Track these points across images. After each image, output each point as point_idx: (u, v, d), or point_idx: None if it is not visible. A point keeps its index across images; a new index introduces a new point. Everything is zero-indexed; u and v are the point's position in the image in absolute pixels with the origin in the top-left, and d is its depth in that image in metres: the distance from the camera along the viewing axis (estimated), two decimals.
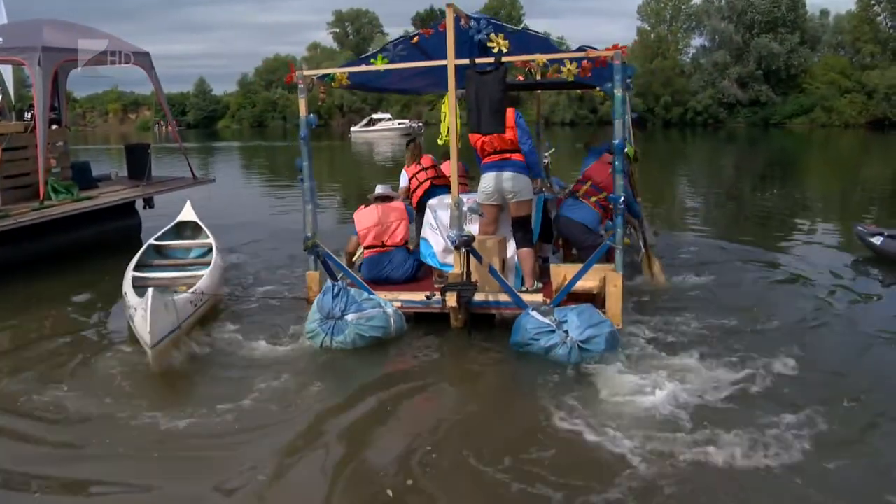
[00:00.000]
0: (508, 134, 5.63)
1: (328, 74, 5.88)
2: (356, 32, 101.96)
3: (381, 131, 59.86)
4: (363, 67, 5.81)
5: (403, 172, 7.45)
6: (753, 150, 36.20)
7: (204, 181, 11.75)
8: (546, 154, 9.03)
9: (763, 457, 3.56)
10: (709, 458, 3.57)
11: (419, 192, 7.18)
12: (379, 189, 6.61)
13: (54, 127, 9.95)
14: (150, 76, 10.63)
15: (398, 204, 6.57)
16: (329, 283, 5.53)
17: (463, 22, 5.37)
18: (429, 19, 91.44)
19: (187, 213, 8.43)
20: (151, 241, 7.55)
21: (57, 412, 4.32)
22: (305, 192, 5.82)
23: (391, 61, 5.76)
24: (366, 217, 6.45)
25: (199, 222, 8.17)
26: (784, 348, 4.94)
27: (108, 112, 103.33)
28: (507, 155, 5.74)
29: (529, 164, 5.73)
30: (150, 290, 4.78)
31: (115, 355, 5.17)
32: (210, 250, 7.13)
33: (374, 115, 64.48)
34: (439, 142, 7.94)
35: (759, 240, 9.31)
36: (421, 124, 61.52)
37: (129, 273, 6.17)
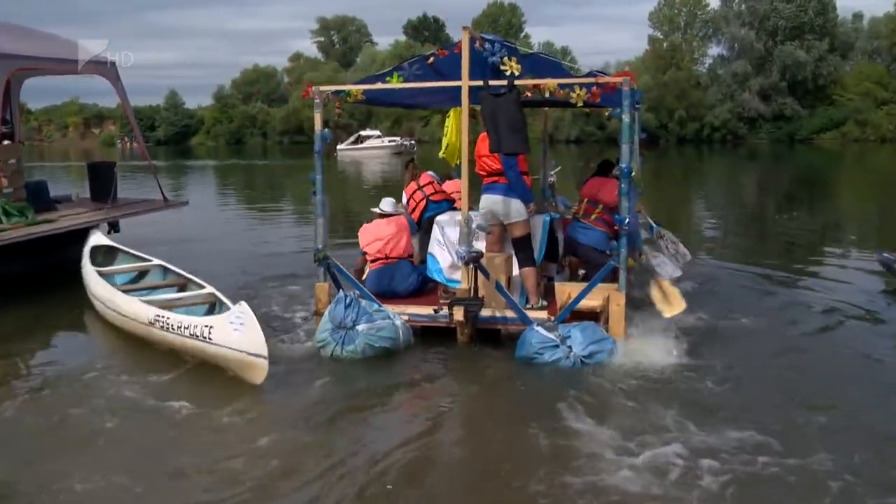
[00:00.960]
0: (493, 159, 6.41)
1: (343, 90, 6.68)
2: (342, 41, 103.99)
3: (371, 149, 60.83)
4: (379, 85, 6.64)
5: (404, 192, 8.27)
6: (777, 167, 36.56)
7: (176, 204, 11.59)
8: (551, 173, 9.74)
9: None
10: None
11: (417, 210, 7.98)
12: (383, 204, 7.40)
13: (6, 142, 9.63)
14: (115, 87, 10.43)
15: (400, 218, 7.35)
16: (341, 293, 6.29)
17: (478, 44, 6.17)
18: (421, 27, 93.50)
19: (98, 239, 8.65)
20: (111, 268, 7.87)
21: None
22: (317, 205, 6.61)
23: (406, 80, 6.59)
24: (369, 231, 7.24)
25: (121, 247, 8.49)
26: (809, 392, 5.09)
27: (67, 126, 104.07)
28: (499, 178, 6.52)
29: (515, 187, 6.39)
30: (242, 304, 5.45)
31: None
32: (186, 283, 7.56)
33: (363, 132, 65.47)
34: (440, 155, 8.82)
35: (783, 265, 9.68)
36: (413, 142, 62.56)
37: (136, 302, 6.55)
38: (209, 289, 6.98)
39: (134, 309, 6.49)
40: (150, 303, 6.52)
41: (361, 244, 7.22)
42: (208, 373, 5.67)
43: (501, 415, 5.04)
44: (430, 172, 8.28)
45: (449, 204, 7.91)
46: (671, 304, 6.17)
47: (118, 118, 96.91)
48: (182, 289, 7.43)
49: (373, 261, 7.17)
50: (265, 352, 5.27)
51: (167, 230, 13.25)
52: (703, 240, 12.47)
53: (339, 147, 62.87)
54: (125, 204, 11.00)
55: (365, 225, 7.34)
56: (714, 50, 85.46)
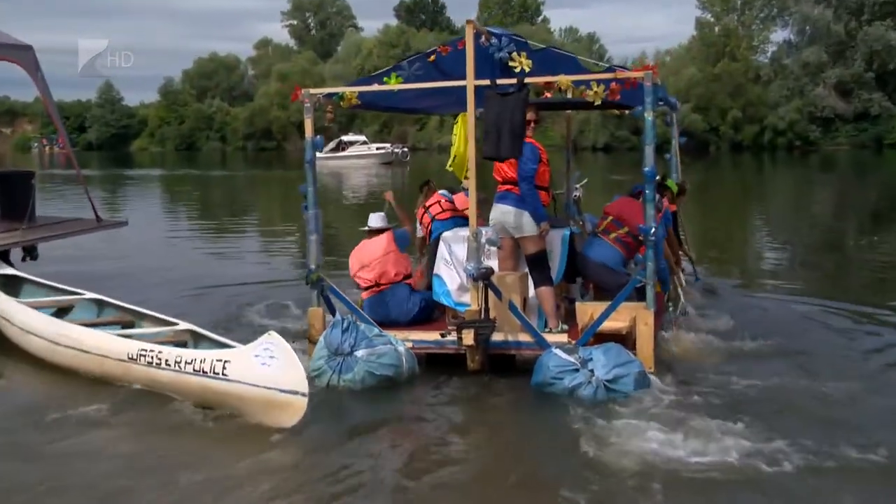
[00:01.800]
0: (507, 165, 7.17)
1: (336, 93, 7.47)
2: (320, 25, 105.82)
3: (354, 158, 61.86)
4: (376, 87, 7.43)
5: (417, 219, 9.07)
6: (860, 180, 37.00)
7: (111, 224, 11.68)
8: (577, 186, 10.36)
9: None
10: None
11: (425, 233, 8.80)
12: (370, 220, 8.15)
13: None
14: (32, 77, 10.34)
15: (385, 235, 8.03)
16: (338, 316, 7.05)
17: (483, 39, 6.96)
18: (416, 10, 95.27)
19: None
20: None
21: None
22: (310, 220, 7.39)
23: (406, 80, 7.38)
24: (355, 257, 7.99)
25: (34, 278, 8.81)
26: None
27: None
28: (511, 187, 7.29)
29: (525, 200, 7.13)
30: (272, 334, 5.98)
31: None
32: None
33: (345, 137, 66.48)
34: (448, 168, 9.58)
35: (865, 300, 10.04)
36: (406, 150, 63.40)
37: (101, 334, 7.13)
38: (183, 325, 7.51)
39: (103, 343, 7.00)
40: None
41: (351, 271, 7.97)
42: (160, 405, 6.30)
43: (516, 451, 5.70)
44: (441, 192, 9.04)
45: (458, 221, 8.67)
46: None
47: (37, 115, 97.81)
48: (127, 327, 7.87)
49: (365, 289, 7.91)
50: (305, 387, 5.78)
51: (99, 256, 13.69)
52: (763, 270, 12.98)
53: (315, 155, 63.85)
54: (45, 224, 10.92)
55: (356, 247, 8.09)
56: (779, 34, 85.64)
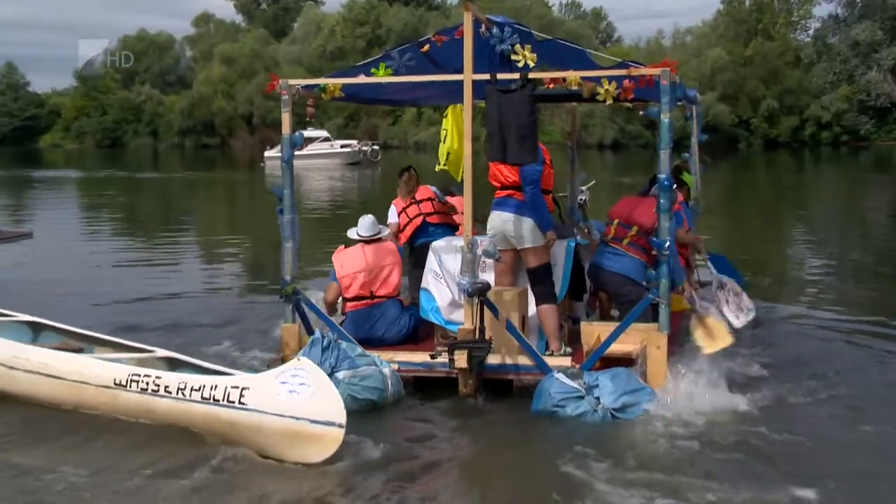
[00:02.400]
0: (509, 169, 7.77)
1: (318, 85, 8.10)
2: (272, 0, 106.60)
3: (314, 157, 62.43)
4: (363, 79, 8.06)
5: (392, 206, 9.71)
6: None
7: (14, 235, 12.33)
8: (582, 189, 10.96)
9: None
10: None
11: (408, 230, 9.41)
12: (361, 227, 8.75)
13: None
14: None
15: (390, 245, 8.71)
16: (317, 333, 7.64)
17: (483, 29, 7.57)
18: None
19: None
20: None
21: None
22: (285, 226, 7.99)
23: (396, 72, 8.01)
24: (350, 260, 8.60)
25: None
26: None
27: None
28: (513, 192, 7.91)
29: (532, 206, 7.78)
30: (303, 359, 6.53)
31: None
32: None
33: (304, 132, 66.90)
34: (439, 168, 10.16)
35: None
36: (376, 147, 64.20)
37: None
38: (161, 351, 7.97)
39: (82, 368, 7.32)
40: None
41: (338, 272, 8.58)
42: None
43: (514, 486, 6.20)
44: (430, 187, 9.72)
45: (449, 230, 9.33)
46: (713, 339, 7.50)
47: None
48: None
49: (351, 299, 8.51)
50: (342, 418, 6.23)
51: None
52: (804, 287, 13.50)
53: (267, 153, 64.01)
54: None
55: (342, 249, 8.73)
56: (823, 8, 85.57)
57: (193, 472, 6.27)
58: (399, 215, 9.56)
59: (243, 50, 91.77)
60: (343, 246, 8.83)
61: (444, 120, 10.50)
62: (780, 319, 10.86)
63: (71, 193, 38.72)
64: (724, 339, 7.60)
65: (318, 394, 6.32)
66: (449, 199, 10.04)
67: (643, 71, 7.42)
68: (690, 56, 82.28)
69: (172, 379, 6.93)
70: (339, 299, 8.72)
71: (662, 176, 7.32)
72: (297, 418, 6.30)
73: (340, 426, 6.25)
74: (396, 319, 8.45)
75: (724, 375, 7.68)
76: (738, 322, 8.38)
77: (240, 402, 6.53)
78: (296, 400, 6.33)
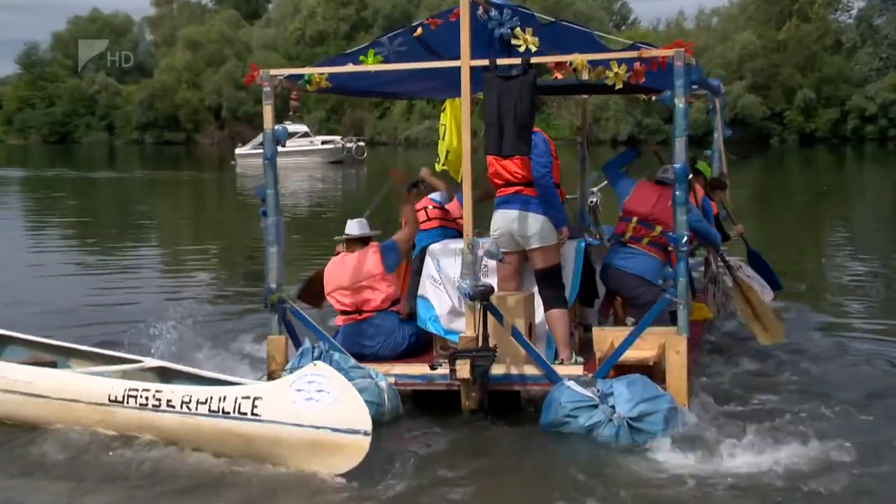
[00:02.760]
0: (517, 163, 8.15)
1: (302, 75, 8.45)
2: None
3: (292, 155, 62.57)
4: (350, 68, 8.40)
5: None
6: None
7: None
8: (593, 190, 11.35)
9: None
10: None
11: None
12: (350, 227, 9.06)
13: None
14: None
15: (369, 248, 8.94)
16: (307, 344, 8.01)
17: (480, 11, 7.92)
18: None
19: None
20: None
21: None
22: (269, 229, 8.33)
23: (386, 59, 8.35)
24: (332, 274, 8.95)
25: None
26: None
27: None
28: (522, 189, 8.28)
29: (545, 202, 8.18)
30: (320, 363, 6.90)
31: None
32: None
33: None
34: (439, 168, 10.49)
35: None
36: (361, 144, 64.62)
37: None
38: (151, 361, 8.35)
39: (70, 385, 7.63)
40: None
41: (326, 288, 8.95)
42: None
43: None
44: (433, 196, 10.05)
45: (447, 232, 9.69)
46: (768, 330, 7.85)
47: None
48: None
49: (341, 313, 8.88)
50: (368, 425, 6.62)
51: None
52: (844, 300, 13.76)
53: (238, 151, 64.45)
54: None
55: (333, 259, 9.08)
56: None
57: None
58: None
59: (211, 34, 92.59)
60: (333, 258, 9.14)
61: (441, 115, 10.79)
62: (816, 330, 11.22)
63: (13, 195, 38.89)
64: (778, 333, 7.94)
65: (339, 400, 6.69)
66: (449, 206, 10.40)
67: (655, 52, 7.71)
68: (716, 40, 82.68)
69: (175, 392, 7.24)
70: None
71: (678, 165, 7.65)
72: (318, 427, 6.66)
73: (366, 433, 6.62)
74: (392, 333, 8.77)
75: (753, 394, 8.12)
76: (767, 292, 8.84)
77: (253, 414, 6.88)
78: (315, 408, 6.70)
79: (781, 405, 8.20)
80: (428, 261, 8.91)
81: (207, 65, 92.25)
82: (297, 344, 8.46)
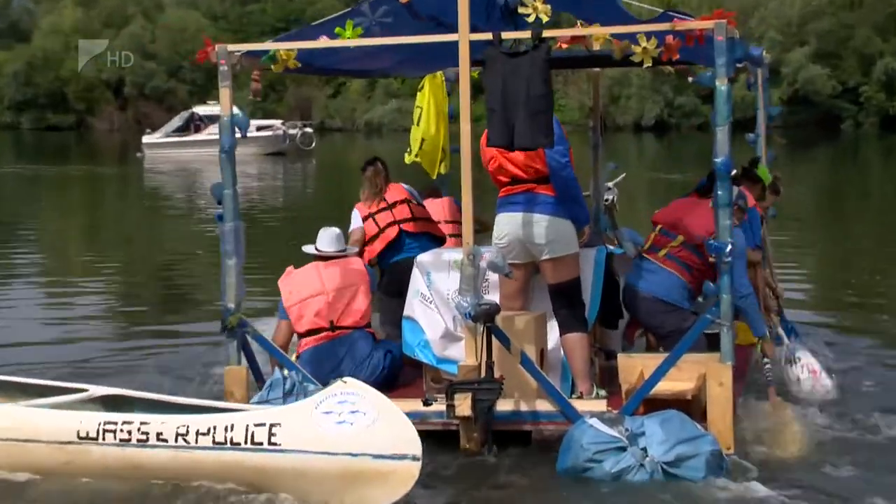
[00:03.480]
0: (531, 156, 8.81)
1: (266, 52, 9.16)
2: None
3: (218, 144, 63.32)
4: (326, 42, 9.07)
5: (355, 211, 10.82)
6: None
7: None
8: (609, 185, 12.07)
9: None
10: None
11: (378, 244, 10.53)
12: (321, 241, 9.85)
13: None
14: None
15: (355, 261, 9.79)
16: (277, 374, 8.69)
17: None
18: None
19: None
20: None
21: None
22: (226, 236, 9.02)
23: (367, 32, 9.02)
24: (300, 283, 9.69)
25: None
26: None
27: None
28: (535, 186, 8.96)
29: (567, 198, 8.86)
30: (350, 380, 7.56)
31: None
32: None
33: (200, 109, 68.97)
34: (410, 160, 11.15)
35: None
36: (308, 130, 65.84)
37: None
38: (98, 389, 8.88)
39: (23, 422, 8.23)
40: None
41: (286, 300, 9.67)
42: None
43: None
44: (404, 185, 10.85)
45: (431, 242, 10.48)
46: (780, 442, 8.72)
47: None
48: None
49: (306, 333, 9.61)
50: (417, 448, 7.33)
51: None
52: None
53: (145, 140, 64.99)
54: None
55: (290, 271, 9.82)
56: None
57: None
58: (364, 222, 10.63)
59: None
60: (291, 267, 9.90)
61: (418, 95, 11.58)
62: (871, 354, 12.18)
63: None
64: (794, 444, 8.75)
65: (379, 422, 7.37)
66: (428, 202, 11.25)
67: (691, 24, 8.39)
68: None
69: (167, 423, 7.85)
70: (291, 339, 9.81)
71: (719, 160, 8.29)
72: (355, 455, 7.36)
73: (415, 458, 7.32)
74: (367, 357, 9.53)
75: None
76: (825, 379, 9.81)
77: (270, 444, 7.56)
78: (348, 432, 7.39)
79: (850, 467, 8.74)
80: (416, 275, 9.57)
81: (105, 26, 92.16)
82: (259, 375, 9.20)
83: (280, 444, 7.52)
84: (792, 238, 22.04)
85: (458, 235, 10.34)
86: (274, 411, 7.83)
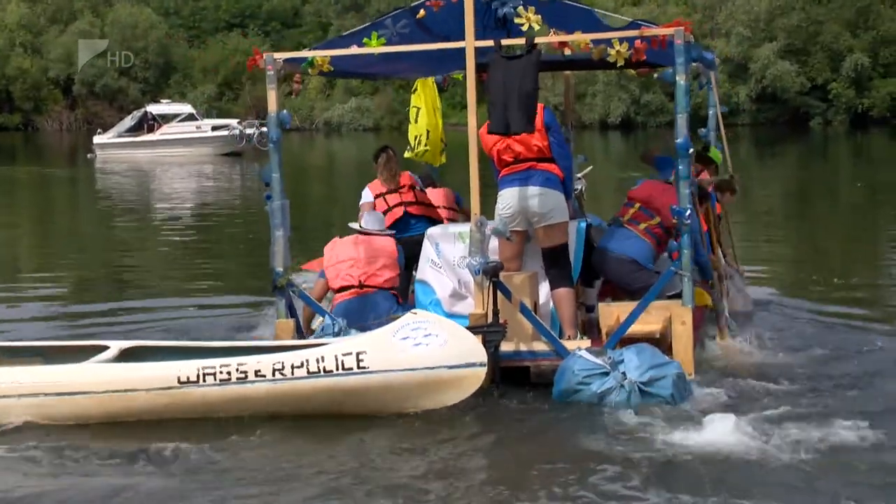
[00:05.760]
0: (536, 137, 11.38)
1: (304, 59, 11.67)
2: None
3: (172, 144, 65.45)
4: (354, 50, 11.63)
5: (367, 189, 13.39)
6: None
7: None
8: (578, 176, 14.38)
9: None
10: None
11: (386, 221, 12.95)
12: (366, 221, 12.38)
13: None
14: None
15: (387, 241, 12.25)
16: (326, 319, 11.28)
17: None
18: None
19: None
20: None
21: None
22: (275, 212, 11.57)
23: (389, 42, 11.59)
24: (340, 249, 12.21)
25: None
26: None
27: None
28: (535, 164, 11.50)
29: (567, 174, 11.49)
30: (418, 311, 10.20)
31: None
32: None
33: (154, 108, 70.57)
34: (411, 155, 13.72)
35: None
36: (257, 129, 65.12)
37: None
38: (119, 343, 11.08)
39: (132, 375, 10.33)
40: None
41: (326, 262, 12.20)
42: None
43: (541, 480, 9.12)
44: (410, 173, 13.43)
45: (431, 223, 13.01)
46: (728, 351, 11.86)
47: None
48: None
49: (338, 290, 12.12)
50: (484, 356, 10.09)
51: None
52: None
53: (97, 140, 66.06)
54: None
55: (336, 239, 12.31)
56: None
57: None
58: (375, 199, 13.17)
59: None
60: (337, 237, 12.36)
61: (413, 96, 14.22)
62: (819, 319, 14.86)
63: None
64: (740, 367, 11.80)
65: (450, 340, 10.06)
66: (431, 191, 13.86)
67: (656, 31, 10.95)
68: None
69: (263, 361, 10.13)
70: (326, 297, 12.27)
71: (679, 140, 10.87)
72: (433, 368, 9.97)
73: (482, 364, 10.07)
74: (388, 313, 11.75)
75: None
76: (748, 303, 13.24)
77: (359, 367, 10.03)
78: (425, 351, 10.04)
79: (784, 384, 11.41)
80: (426, 245, 12.15)
81: (52, 22, 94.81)
82: (300, 328, 11.71)
83: (368, 367, 10.01)
84: (756, 227, 25.24)
85: (452, 220, 13.32)
86: (356, 342, 10.27)
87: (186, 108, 70.33)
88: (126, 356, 11.03)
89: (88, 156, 63.66)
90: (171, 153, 62.62)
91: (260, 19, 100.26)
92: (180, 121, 67.63)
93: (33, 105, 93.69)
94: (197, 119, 68.33)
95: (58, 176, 53.44)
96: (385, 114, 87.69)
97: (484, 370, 10.09)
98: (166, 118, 68.31)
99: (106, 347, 11.14)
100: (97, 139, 66.21)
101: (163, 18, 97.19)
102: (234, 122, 67.95)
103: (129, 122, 69.79)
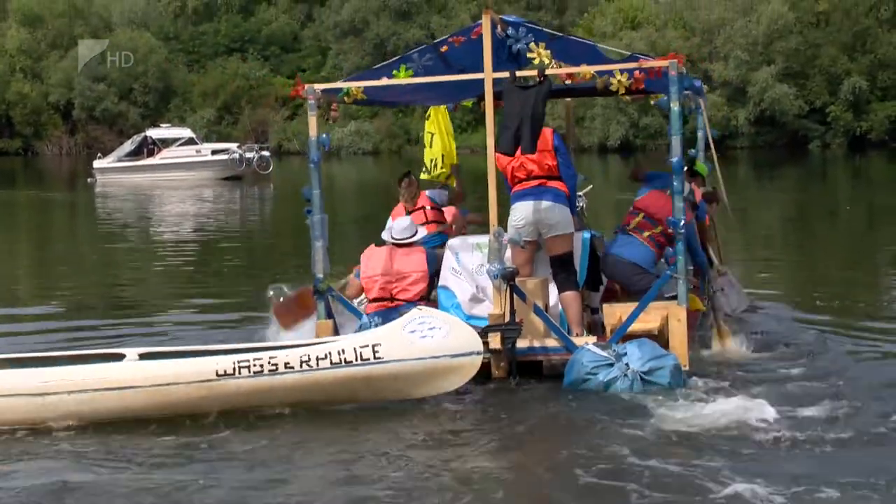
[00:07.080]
0: (547, 157, 13.06)
1: (340, 89, 13.41)
2: None
3: (172, 168, 66.09)
4: (385, 81, 13.34)
5: (391, 216, 14.91)
6: None
7: None
8: (579, 194, 15.88)
9: None
10: None
11: None
12: (397, 227, 13.76)
13: None
14: None
15: (418, 252, 13.69)
16: (365, 318, 12.96)
17: (499, 29, 12.79)
18: None
19: None
20: None
21: None
22: (315, 225, 13.26)
23: (416, 73, 13.30)
24: (373, 261, 13.73)
25: None
26: None
27: None
28: (545, 181, 13.19)
29: (572, 191, 13.17)
30: (420, 308, 11.82)
31: None
32: None
33: (154, 132, 71.16)
34: (429, 176, 15.38)
35: None
36: (265, 153, 67.49)
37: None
38: (136, 349, 12.28)
39: (175, 370, 11.49)
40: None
41: (362, 272, 13.75)
42: None
43: (555, 464, 10.65)
44: (428, 193, 15.19)
45: (444, 239, 14.68)
46: (725, 346, 13.57)
47: None
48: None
49: (373, 300, 13.60)
50: (480, 346, 11.61)
51: None
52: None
53: (97, 165, 66.67)
54: None
55: (372, 247, 13.83)
56: None
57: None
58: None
59: (56, 5, 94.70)
60: (373, 245, 13.85)
61: (427, 122, 16.06)
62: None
63: None
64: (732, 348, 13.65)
65: (452, 332, 11.61)
66: (448, 210, 15.51)
67: (652, 63, 12.63)
68: (736, 13, 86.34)
69: (291, 354, 11.49)
70: (362, 297, 13.84)
71: (674, 159, 12.55)
72: (438, 357, 11.46)
73: (479, 353, 11.65)
74: None
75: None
76: (743, 302, 15.01)
77: (375, 358, 11.46)
78: (430, 343, 11.51)
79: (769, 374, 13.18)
80: (448, 255, 13.77)
81: (52, 47, 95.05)
82: (337, 330, 13.36)
83: (383, 357, 11.50)
84: (755, 250, 26.70)
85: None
86: (371, 335, 11.90)
87: (186, 133, 70.80)
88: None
89: (88, 180, 64.18)
90: (171, 177, 62.99)
91: (259, 44, 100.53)
92: (180, 145, 68.09)
93: (33, 130, 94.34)
94: (197, 143, 68.82)
95: (58, 200, 54.06)
96: (384, 137, 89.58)
97: (480, 358, 11.69)
98: (166, 142, 68.72)
99: (122, 356, 12.15)
100: (97, 164, 66.64)
101: (162, 43, 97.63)
102: (233, 146, 68.73)
103: (128, 146, 70.40)
